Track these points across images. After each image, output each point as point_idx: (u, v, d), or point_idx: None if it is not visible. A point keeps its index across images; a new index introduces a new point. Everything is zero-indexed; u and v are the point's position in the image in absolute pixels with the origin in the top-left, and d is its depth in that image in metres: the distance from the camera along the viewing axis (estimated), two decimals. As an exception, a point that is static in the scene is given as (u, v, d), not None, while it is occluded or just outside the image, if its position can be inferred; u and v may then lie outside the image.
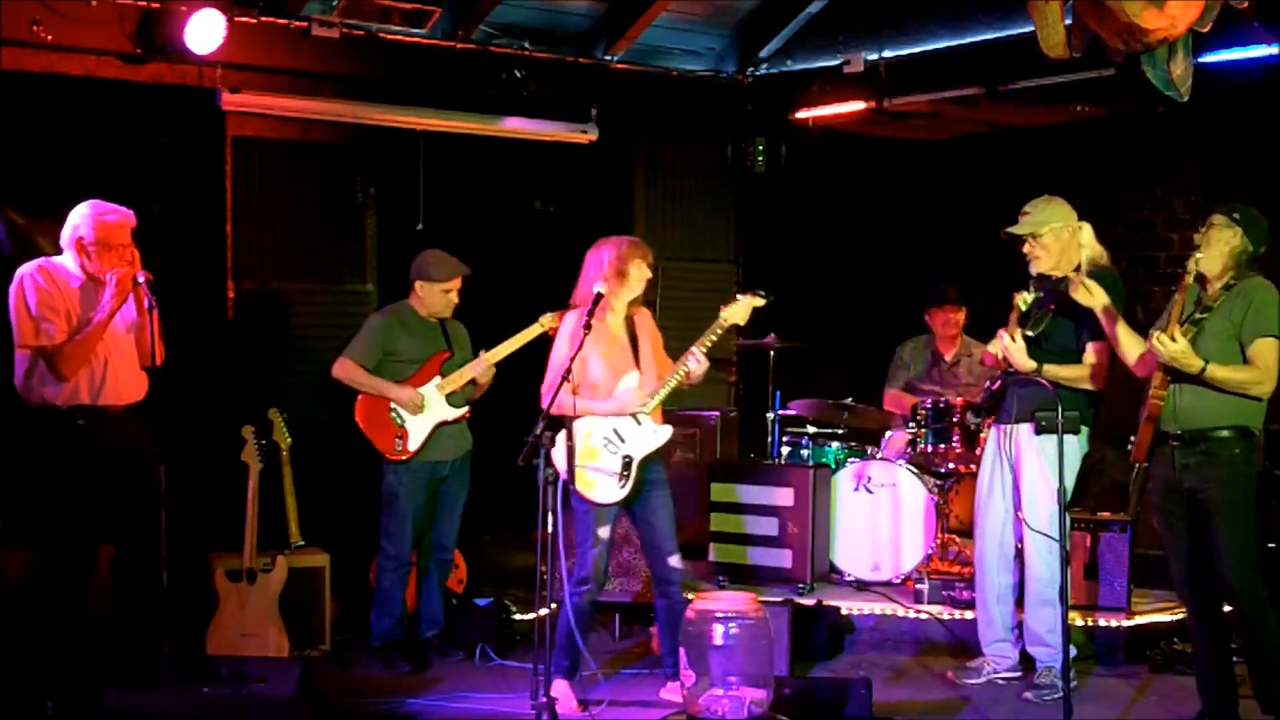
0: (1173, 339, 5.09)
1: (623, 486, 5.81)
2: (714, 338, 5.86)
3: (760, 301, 5.91)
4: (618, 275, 5.84)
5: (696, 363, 5.81)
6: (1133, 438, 5.40)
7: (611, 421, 5.84)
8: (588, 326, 5.67)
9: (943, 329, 8.11)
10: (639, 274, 5.89)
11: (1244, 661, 5.49)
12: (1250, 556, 5.28)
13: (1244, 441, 5.25)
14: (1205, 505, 5.26)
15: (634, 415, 5.85)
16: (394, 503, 6.58)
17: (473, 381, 6.63)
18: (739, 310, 5.89)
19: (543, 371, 5.93)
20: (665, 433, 5.90)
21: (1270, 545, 6.78)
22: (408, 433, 6.53)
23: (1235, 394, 5.19)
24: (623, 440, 5.84)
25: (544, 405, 5.62)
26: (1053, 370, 5.82)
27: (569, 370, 5.61)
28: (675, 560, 5.90)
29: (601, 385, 5.86)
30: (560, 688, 5.73)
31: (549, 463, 5.46)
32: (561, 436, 5.64)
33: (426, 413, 6.56)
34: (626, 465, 5.82)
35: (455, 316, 6.74)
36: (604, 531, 5.84)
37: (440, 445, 6.60)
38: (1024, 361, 5.85)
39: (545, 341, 6.40)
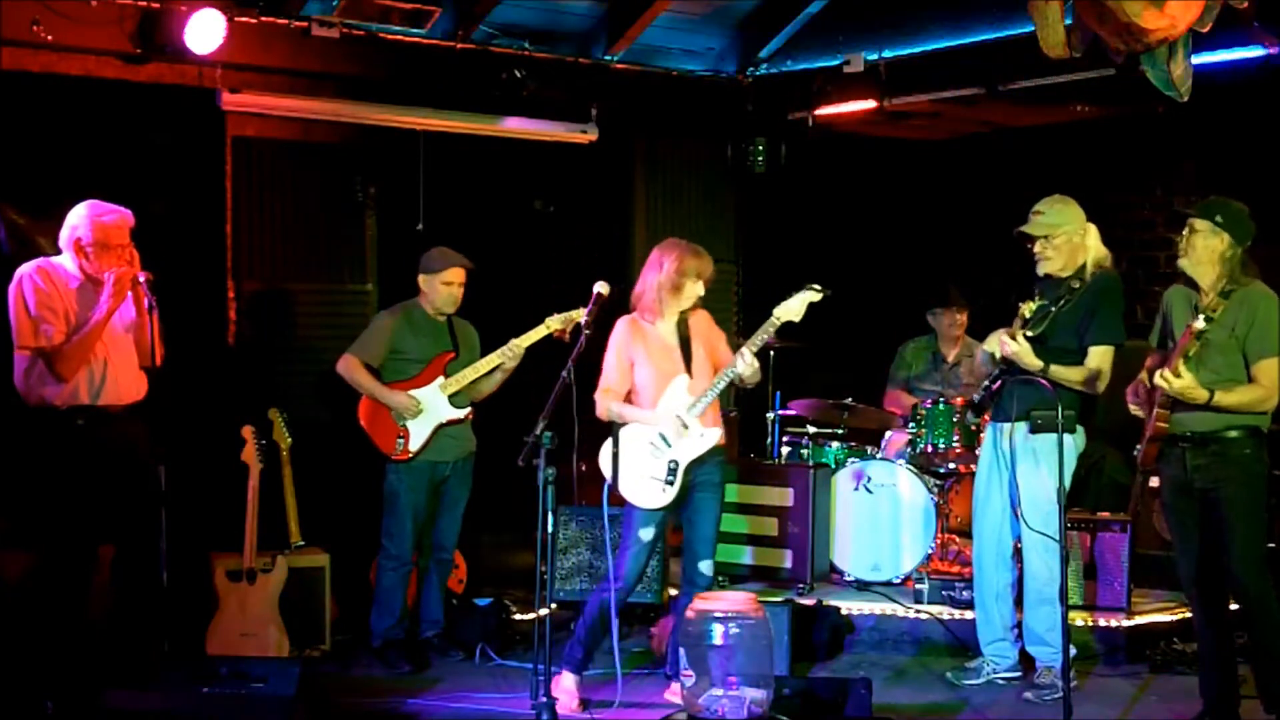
0: (1177, 375, 5.08)
1: (667, 491, 5.76)
2: (765, 337, 5.70)
3: (817, 296, 5.71)
4: (673, 289, 5.79)
5: (745, 364, 5.66)
6: (1139, 446, 5.40)
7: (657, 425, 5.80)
8: (588, 327, 5.66)
9: (946, 329, 8.11)
10: (693, 290, 5.82)
11: (1246, 661, 5.49)
12: (1260, 553, 5.28)
13: (1254, 440, 5.24)
14: (1219, 503, 5.24)
15: (680, 419, 5.78)
16: (394, 502, 6.58)
17: (478, 381, 6.62)
18: (794, 307, 5.71)
19: (544, 373, 5.91)
20: (713, 435, 5.80)
21: (1270, 545, 6.77)
22: (409, 433, 6.53)
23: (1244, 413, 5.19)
24: (668, 444, 5.78)
25: (598, 412, 5.72)
26: (1059, 371, 5.77)
27: (569, 370, 5.60)
28: (706, 566, 5.86)
29: (646, 390, 5.82)
30: (567, 681, 5.74)
31: (550, 463, 5.45)
32: (608, 443, 5.62)
33: (428, 414, 6.55)
34: (672, 470, 5.75)
35: (458, 315, 6.73)
36: (645, 534, 5.80)
37: (441, 446, 6.59)
38: (1032, 360, 5.78)
39: (548, 343, 6.41)
